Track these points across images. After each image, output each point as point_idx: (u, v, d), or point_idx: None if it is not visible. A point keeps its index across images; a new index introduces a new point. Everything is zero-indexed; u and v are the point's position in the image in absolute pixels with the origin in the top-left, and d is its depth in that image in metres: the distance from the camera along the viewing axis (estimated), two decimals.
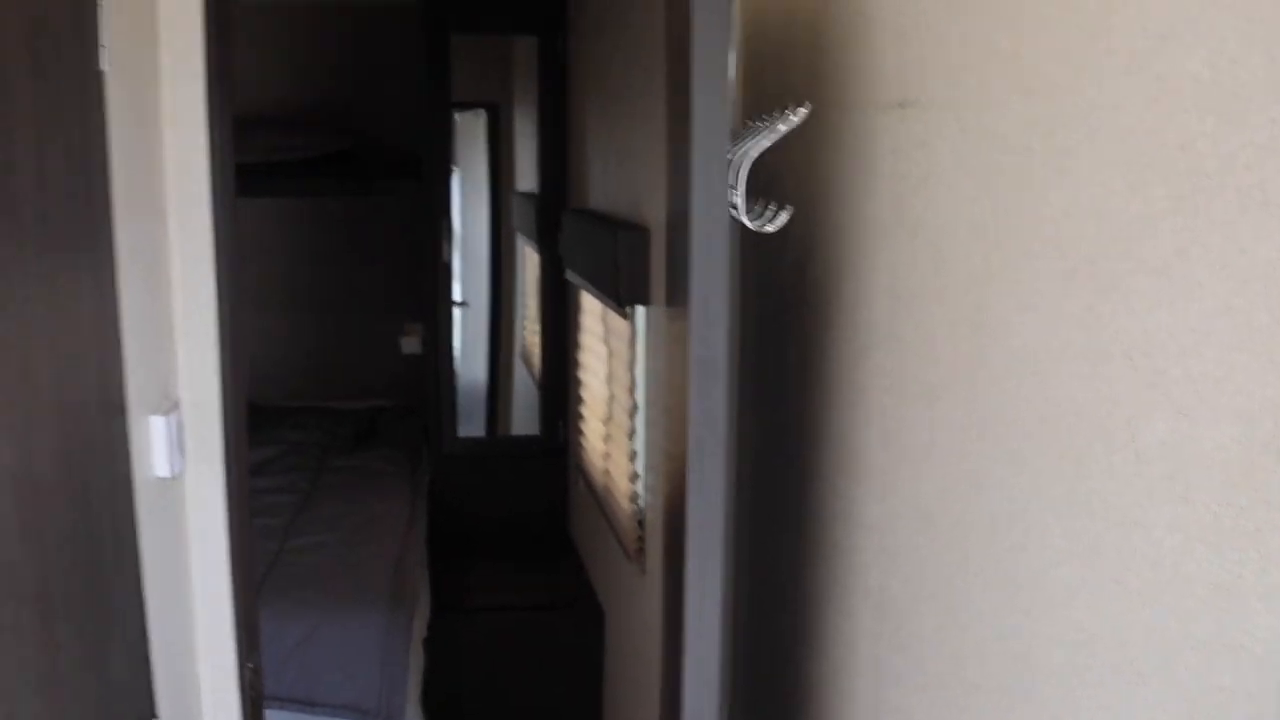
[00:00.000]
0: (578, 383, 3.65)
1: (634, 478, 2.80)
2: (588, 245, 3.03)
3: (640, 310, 2.71)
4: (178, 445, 1.62)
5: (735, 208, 1.30)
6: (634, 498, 2.81)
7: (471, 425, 4.51)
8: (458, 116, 4.39)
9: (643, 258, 2.59)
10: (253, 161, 3.98)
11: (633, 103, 2.72)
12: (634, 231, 2.58)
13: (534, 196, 4.02)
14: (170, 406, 1.64)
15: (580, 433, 3.63)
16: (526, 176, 4.36)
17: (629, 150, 2.79)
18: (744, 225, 1.32)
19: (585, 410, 3.57)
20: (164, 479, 1.61)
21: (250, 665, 1.83)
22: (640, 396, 2.74)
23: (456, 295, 4.32)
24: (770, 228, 1.33)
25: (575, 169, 3.71)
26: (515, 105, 4.59)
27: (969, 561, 1.26)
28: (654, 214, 2.53)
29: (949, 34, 1.29)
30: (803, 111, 1.31)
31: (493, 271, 4.80)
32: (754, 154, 1.30)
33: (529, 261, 4.40)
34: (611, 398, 3.15)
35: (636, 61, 2.67)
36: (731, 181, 1.29)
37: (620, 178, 2.91)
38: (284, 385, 4.75)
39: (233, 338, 1.62)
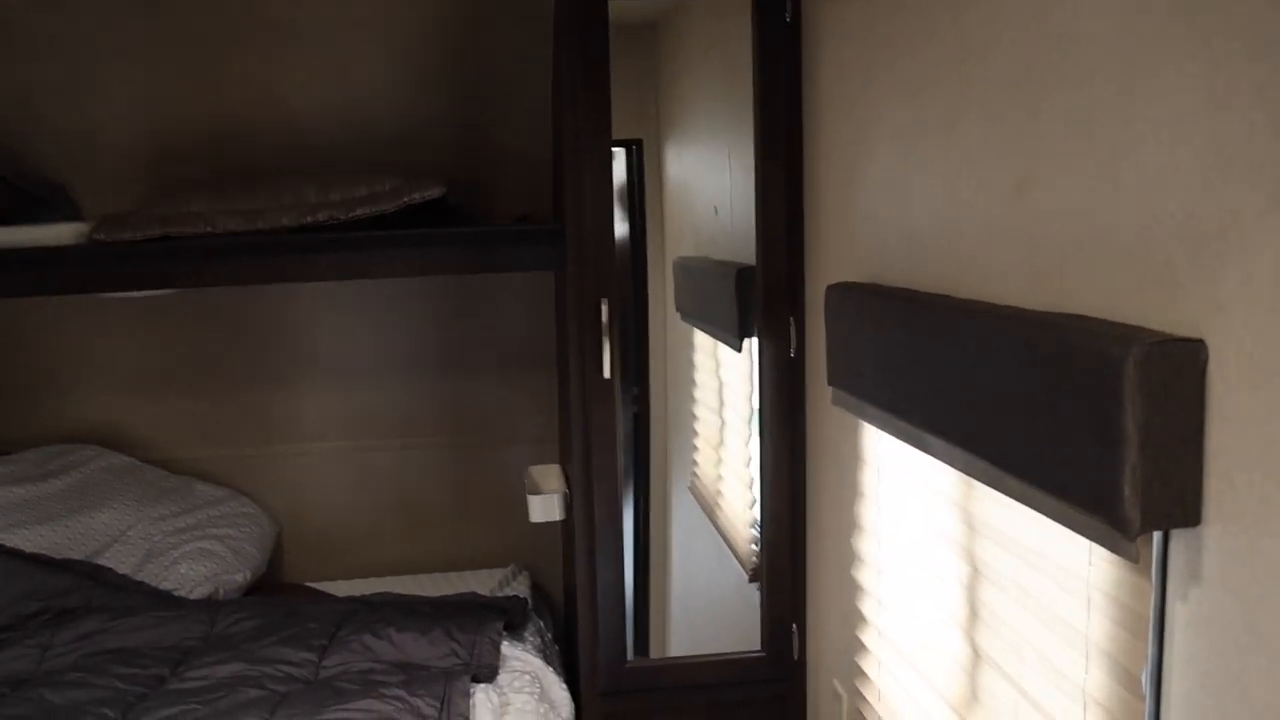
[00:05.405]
0: (855, 587, 2.06)
1: None
2: (938, 365, 1.48)
3: (1157, 537, 1.14)
4: None
5: None
6: None
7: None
8: None
9: (1196, 407, 1.04)
10: (290, 224, 2.54)
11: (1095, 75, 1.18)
12: (1171, 345, 1.03)
13: (731, 265, 2.46)
14: None
15: (861, 672, 2.05)
16: (693, 236, 2.78)
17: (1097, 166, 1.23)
18: None
19: (873, 636, 1.99)
20: None
21: None
22: None
23: None
24: None
25: (832, 220, 2.14)
26: (667, 140, 2.98)
27: None
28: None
29: None
30: None
31: (638, 373, 3.17)
32: None
33: (709, 361, 2.81)
34: (973, 660, 1.58)
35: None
36: None
37: (1050, 227, 1.33)
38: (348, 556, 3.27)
39: None
